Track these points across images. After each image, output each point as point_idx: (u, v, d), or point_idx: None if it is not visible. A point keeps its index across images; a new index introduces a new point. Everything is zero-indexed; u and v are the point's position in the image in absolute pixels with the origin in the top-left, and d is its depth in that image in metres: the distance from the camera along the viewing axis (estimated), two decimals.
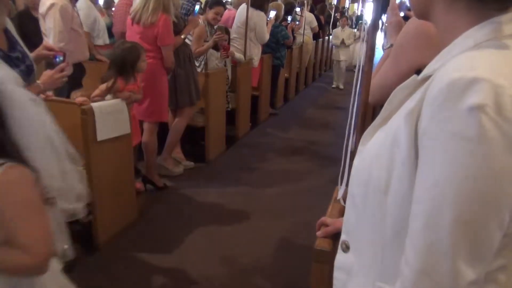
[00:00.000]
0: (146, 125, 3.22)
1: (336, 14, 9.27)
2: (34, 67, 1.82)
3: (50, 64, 2.01)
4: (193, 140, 4.17)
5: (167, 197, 3.24)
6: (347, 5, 13.16)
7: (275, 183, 3.59)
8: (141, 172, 3.28)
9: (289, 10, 5.95)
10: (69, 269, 2.19)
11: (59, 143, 1.09)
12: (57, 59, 1.97)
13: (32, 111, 1.02)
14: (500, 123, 0.53)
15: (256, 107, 5.15)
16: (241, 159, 4.14)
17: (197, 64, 3.75)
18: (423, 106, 0.60)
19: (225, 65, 4.11)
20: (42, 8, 3.18)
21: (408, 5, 2.16)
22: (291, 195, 3.39)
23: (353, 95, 1.23)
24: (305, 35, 6.81)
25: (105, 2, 5.31)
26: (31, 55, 1.85)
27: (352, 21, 10.07)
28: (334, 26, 8.30)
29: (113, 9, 4.82)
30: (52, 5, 3.11)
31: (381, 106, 0.78)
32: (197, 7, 3.50)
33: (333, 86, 8.10)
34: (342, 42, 7.59)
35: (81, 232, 2.47)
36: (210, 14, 3.82)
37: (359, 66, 1.20)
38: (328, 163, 3.98)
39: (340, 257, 0.84)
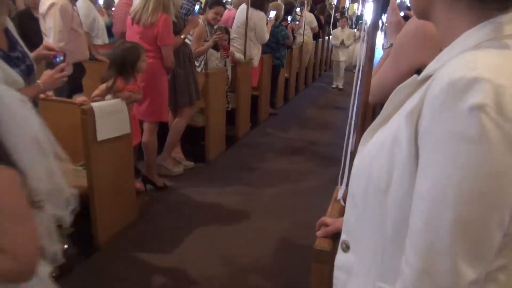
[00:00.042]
0: (146, 125, 3.22)
1: (336, 14, 9.26)
2: (34, 67, 1.82)
3: (50, 64, 2.01)
4: (193, 140, 4.17)
5: (167, 197, 3.24)
6: (347, 5, 13.15)
7: (275, 183, 3.59)
8: (141, 172, 3.28)
9: (289, 10, 5.95)
10: (69, 269, 2.24)
11: (47, 145, 1.06)
12: (57, 59, 1.96)
13: (20, 112, 1.00)
14: (501, 123, 0.53)
15: (256, 107, 5.15)
16: (241, 159, 4.14)
17: (197, 64, 3.75)
18: (424, 106, 0.60)
19: (225, 65, 4.11)
20: (42, 8, 3.19)
21: (408, 5, 2.17)
22: (291, 195, 3.39)
23: (353, 95, 1.23)
24: (305, 35, 6.80)
25: (105, 2, 5.32)
26: (31, 55, 1.85)
27: (352, 21, 10.07)
28: (334, 26, 8.29)
29: (113, 9, 4.82)
30: (52, 4, 3.12)
31: (381, 106, 0.78)
32: (197, 7, 3.50)
33: (333, 86, 8.09)
34: (342, 42, 7.59)
35: (81, 232, 2.47)
36: (210, 14, 3.82)
37: (359, 66, 1.20)
38: (328, 163, 3.98)
39: (340, 257, 0.85)
